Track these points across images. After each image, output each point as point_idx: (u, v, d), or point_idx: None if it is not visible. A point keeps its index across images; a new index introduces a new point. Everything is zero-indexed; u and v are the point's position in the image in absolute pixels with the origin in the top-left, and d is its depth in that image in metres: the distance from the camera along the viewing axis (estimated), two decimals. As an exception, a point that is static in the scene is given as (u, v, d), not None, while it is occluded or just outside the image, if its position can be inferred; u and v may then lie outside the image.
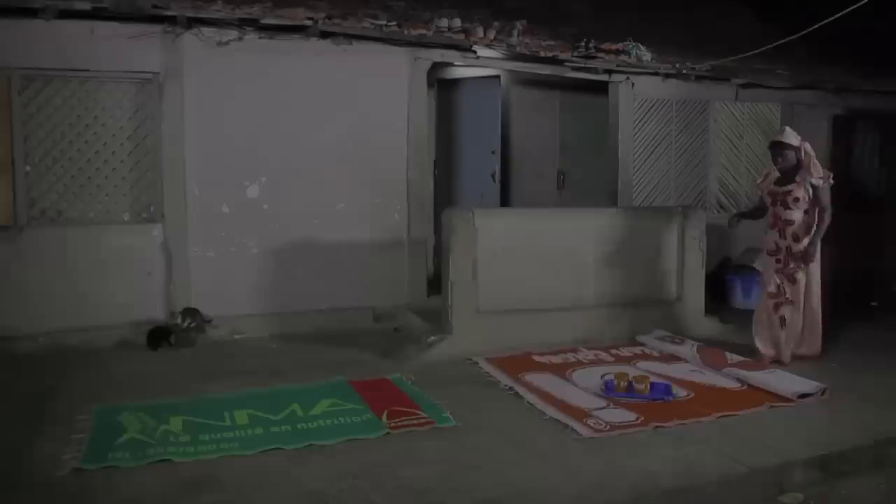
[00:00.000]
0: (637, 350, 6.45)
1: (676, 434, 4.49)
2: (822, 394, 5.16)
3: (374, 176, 7.33)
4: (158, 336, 6.41)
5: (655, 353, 6.34)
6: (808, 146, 5.92)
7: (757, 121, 9.44)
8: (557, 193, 9.88)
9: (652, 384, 5.22)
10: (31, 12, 6.02)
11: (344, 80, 7.14)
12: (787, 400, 5.06)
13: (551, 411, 4.84)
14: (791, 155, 5.92)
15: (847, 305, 8.70)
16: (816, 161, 5.88)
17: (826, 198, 5.84)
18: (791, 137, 5.94)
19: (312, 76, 7.03)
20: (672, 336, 6.64)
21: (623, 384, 5.16)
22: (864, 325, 7.72)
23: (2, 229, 6.19)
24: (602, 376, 5.42)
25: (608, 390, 5.17)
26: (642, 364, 5.96)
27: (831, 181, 5.87)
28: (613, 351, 6.37)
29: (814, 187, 5.83)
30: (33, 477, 3.80)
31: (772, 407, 4.98)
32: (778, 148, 5.97)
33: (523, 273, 6.55)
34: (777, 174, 6.08)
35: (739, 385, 5.43)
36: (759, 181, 6.36)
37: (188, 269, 6.72)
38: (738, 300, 8.53)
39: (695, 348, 6.22)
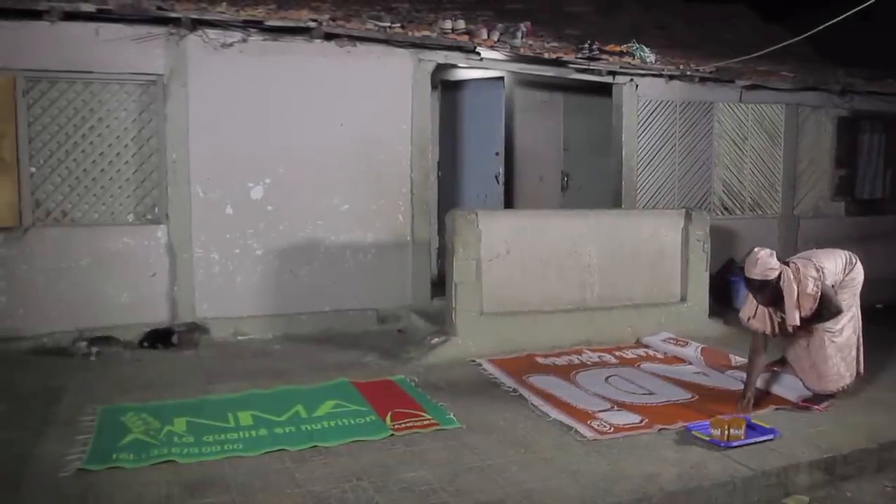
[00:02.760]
0: (641, 352, 6.44)
1: (680, 436, 4.48)
2: (829, 403, 5.01)
3: (377, 177, 7.34)
4: (157, 338, 6.46)
5: (659, 355, 6.33)
6: (788, 273, 4.72)
7: (761, 122, 9.42)
8: (561, 195, 9.89)
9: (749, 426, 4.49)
10: (35, 14, 6.05)
11: (348, 82, 7.15)
12: (790, 403, 5.05)
13: (555, 413, 4.83)
14: (767, 291, 4.75)
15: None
16: (804, 272, 4.75)
17: (827, 300, 4.78)
18: (764, 270, 4.68)
19: (316, 78, 7.04)
20: (676, 338, 6.63)
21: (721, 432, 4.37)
22: (869, 327, 7.69)
23: (7, 230, 6.21)
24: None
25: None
26: (646, 366, 5.96)
27: (822, 280, 4.77)
28: (617, 353, 6.36)
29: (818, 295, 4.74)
30: (37, 477, 3.80)
31: (776, 409, 4.97)
32: (752, 285, 4.82)
33: (527, 274, 6.55)
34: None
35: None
36: (750, 319, 5.06)
37: (192, 271, 6.73)
38: (742, 302, 8.51)
39: (698, 350, 6.21)
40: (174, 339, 6.45)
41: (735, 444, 4.29)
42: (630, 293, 6.95)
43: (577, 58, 8.10)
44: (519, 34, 7.92)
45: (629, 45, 8.61)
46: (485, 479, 3.85)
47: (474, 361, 6.04)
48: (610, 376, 5.64)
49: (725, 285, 8.55)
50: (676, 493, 3.80)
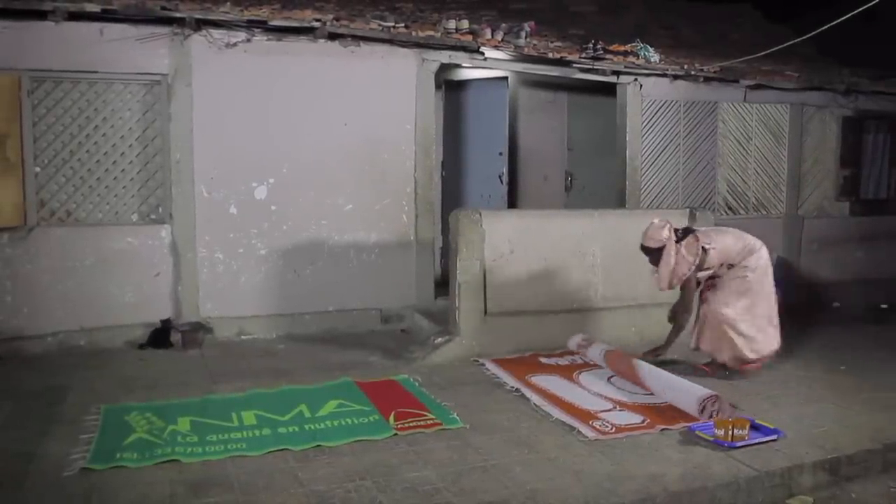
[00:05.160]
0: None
1: (684, 436, 4.47)
2: (714, 404, 4.71)
3: (381, 177, 7.34)
4: (159, 337, 6.50)
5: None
6: (672, 247, 5.38)
7: (766, 122, 9.40)
8: (565, 195, 9.87)
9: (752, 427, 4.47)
10: (40, 14, 6.06)
11: (352, 82, 7.15)
12: (693, 418, 4.70)
13: (557, 413, 4.83)
14: (654, 256, 5.48)
15: (858, 307, 8.70)
16: (686, 250, 5.43)
17: (687, 289, 5.65)
18: (652, 239, 5.45)
19: (320, 77, 7.04)
20: (587, 341, 6.21)
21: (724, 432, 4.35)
22: (874, 327, 7.69)
23: (11, 230, 6.22)
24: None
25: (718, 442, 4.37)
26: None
27: (699, 263, 5.45)
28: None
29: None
30: (41, 476, 3.81)
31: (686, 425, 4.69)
32: (644, 250, 5.56)
33: (530, 274, 6.54)
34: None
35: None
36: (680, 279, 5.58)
37: (196, 270, 6.74)
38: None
39: (602, 353, 5.87)
40: (172, 336, 6.47)
41: (739, 444, 4.27)
42: (634, 293, 6.91)
43: (581, 57, 8.09)
44: (523, 34, 7.92)
45: (634, 44, 8.59)
46: (488, 479, 3.85)
47: (478, 361, 6.04)
48: (612, 376, 5.62)
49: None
50: (680, 494, 3.79)
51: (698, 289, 5.74)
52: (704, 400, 4.74)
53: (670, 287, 5.52)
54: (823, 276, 9.40)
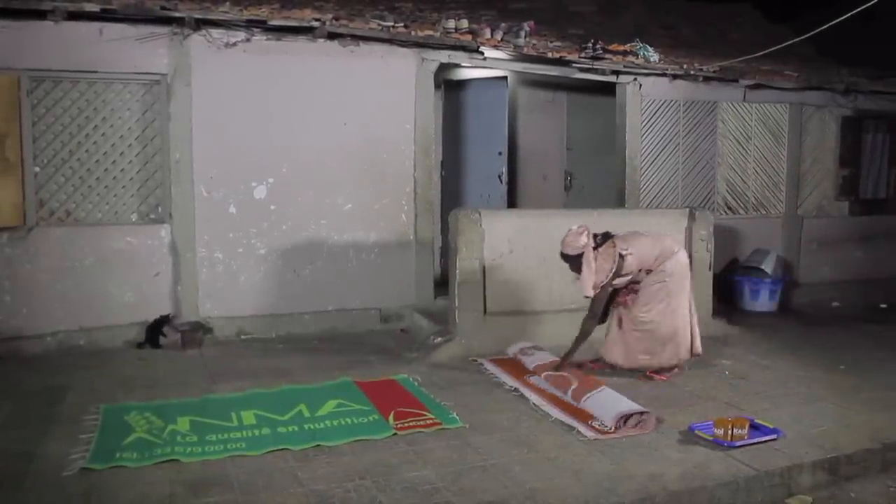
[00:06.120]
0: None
1: (683, 436, 4.47)
2: (642, 416, 4.60)
3: (381, 177, 7.34)
4: (154, 331, 6.51)
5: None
6: (590, 254, 5.36)
7: (765, 122, 9.40)
8: (564, 194, 9.87)
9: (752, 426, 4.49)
10: (39, 14, 6.05)
11: (351, 82, 7.15)
12: (613, 433, 4.49)
13: (556, 413, 4.83)
14: (574, 262, 5.46)
15: (857, 307, 8.70)
16: (603, 256, 5.42)
17: (598, 296, 5.51)
18: (571, 247, 5.43)
19: (319, 77, 7.04)
20: (530, 347, 6.07)
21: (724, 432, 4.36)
22: (873, 327, 7.69)
23: (11, 230, 6.21)
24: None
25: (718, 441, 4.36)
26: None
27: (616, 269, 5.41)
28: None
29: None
30: (41, 476, 3.81)
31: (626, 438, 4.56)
32: (564, 257, 5.53)
33: (530, 274, 6.54)
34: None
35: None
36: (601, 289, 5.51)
37: (196, 270, 6.74)
38: (747, 302, 8.52)
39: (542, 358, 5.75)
40: (168, 333, 6.48)
41: (738, 443, 4.28)
42: (633, 293, 6.92)
43: (580, 57, 8.09)
44: (522, 33, 7.91)
45: (633, 44, 8.59)
46: (488, 479, 3.85)
47: (477, 361, 6.04)
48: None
49: (729, 285, 8.55)
50: (680, 493, 3.79)
51: (619, 297, 5.73)
52: (623, 418, 4.57)
53: (594, 292, 5.46)
54: (823, 276, 9.40)
